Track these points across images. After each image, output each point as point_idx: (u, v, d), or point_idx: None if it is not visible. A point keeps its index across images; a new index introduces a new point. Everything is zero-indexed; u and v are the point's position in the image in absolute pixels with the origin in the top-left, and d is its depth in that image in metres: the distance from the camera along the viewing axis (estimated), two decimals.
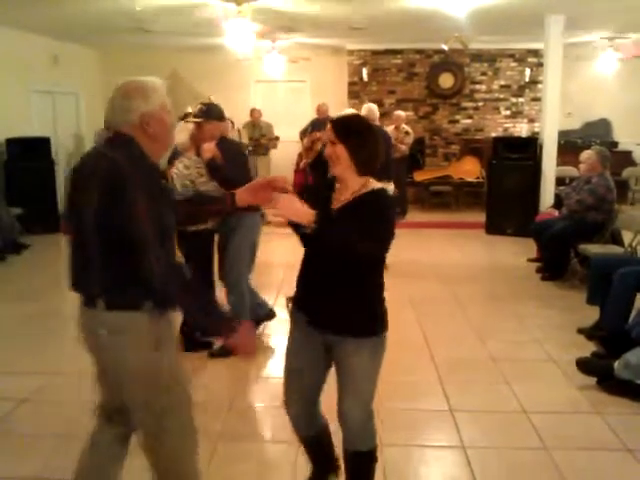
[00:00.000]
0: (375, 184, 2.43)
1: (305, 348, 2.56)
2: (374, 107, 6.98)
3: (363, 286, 2.44)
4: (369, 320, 2.47)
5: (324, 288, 2.44)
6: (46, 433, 3.45)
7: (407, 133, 9.97)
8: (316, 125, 9.41)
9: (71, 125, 11.32)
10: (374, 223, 2.31)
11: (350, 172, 2.39)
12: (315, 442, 2.74)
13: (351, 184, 2.42)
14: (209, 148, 4.18)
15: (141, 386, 2.23)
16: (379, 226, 2.32)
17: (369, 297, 2.48)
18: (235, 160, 4.35)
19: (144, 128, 2.14)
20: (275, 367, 4.57)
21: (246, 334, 2.24)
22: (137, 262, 2.03)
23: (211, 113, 4.35)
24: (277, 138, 10.65)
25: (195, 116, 4.31)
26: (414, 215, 10.29)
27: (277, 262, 7.34)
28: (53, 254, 8.30)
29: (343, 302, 2.42)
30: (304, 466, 3.05)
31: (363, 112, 6.85)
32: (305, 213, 2.26)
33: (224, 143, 4.35)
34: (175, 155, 4.39)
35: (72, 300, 5.15)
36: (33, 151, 9.21)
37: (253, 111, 10.74)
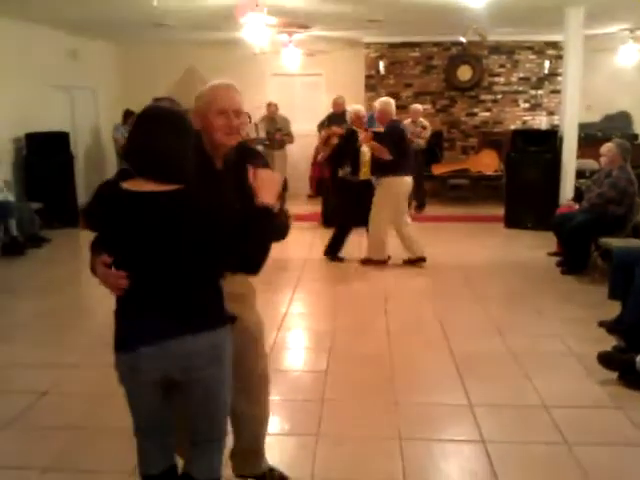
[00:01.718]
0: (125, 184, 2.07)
1: None
2: (386, 101, 6.89)
3: None
4: None
5: None
6: (65, 425, 3.48)
7: (424, 127, 9.92)
8: (333, 119, 9.39)
9: (89, 120, 11.38)
10: None
11: None
12: None
13: None
14: None
15: None
16: None
17: None
18: None
19: None
20: (291, 360, 4.59)
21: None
22: None
23: None
24: (288, 134, 10.54)
25: None
26: (432, 209, 10.25)
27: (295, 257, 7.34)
28: (73, 248, 8.37)
29: None
30: (322, 457, 3.06)
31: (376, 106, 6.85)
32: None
33: None
34: None
35: (91, 294, 5.19)
36: (52, 146, 9.24)
37: (269, 105, 10.72)
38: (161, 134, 2.03)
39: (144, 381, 2.13)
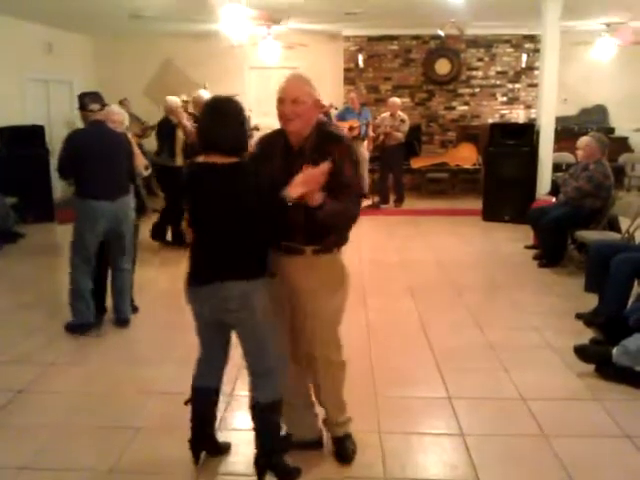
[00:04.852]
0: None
1: None
2: (196, 95, 7.52)
3: None
4: None
5: None
6: (41, 424, 3.43)
7: (403, 121, 9.91)
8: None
9: (65, 113, 11.22)
10: None
11: None
12: None
13: None
14: None
15: None
16: None
17: None
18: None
19: None
20: None
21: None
22: None
23: (79, 103, 4.97)
24: (256, 128, 10.34)
25: None
26: (411, 202, 10.27)
27: None
28: (48, 243, 8.26)
29: None
30: (302, 451, 3.05)
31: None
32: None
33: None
34: None
35: (67, 290, 5.10)
36: (27, 139, 9.09)
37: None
38: (221, 120, 2.61)
39: (201, 314, 2.76)
